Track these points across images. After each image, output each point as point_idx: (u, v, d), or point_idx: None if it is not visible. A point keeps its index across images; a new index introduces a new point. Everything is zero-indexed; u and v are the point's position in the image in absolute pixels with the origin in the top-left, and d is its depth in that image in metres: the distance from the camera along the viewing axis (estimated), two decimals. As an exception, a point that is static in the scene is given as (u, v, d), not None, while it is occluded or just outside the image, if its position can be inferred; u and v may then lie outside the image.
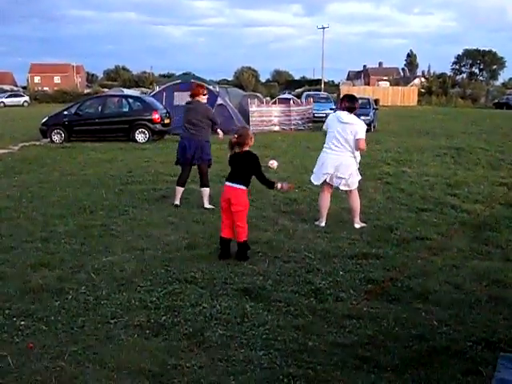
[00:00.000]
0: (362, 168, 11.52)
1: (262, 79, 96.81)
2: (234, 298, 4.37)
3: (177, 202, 7.75)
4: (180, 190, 7.80)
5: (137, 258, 5.33)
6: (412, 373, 3.25)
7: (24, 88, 76.86)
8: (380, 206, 7.76)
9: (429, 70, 66.51)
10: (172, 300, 4.29)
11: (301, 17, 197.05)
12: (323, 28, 64.60)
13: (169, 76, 70.28)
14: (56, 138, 16.95)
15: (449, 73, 74.88)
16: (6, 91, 59.36)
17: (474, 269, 5.06)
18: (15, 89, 69.07)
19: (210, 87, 20.55)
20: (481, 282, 4.74)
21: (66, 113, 17.58)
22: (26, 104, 52.90)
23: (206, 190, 7.65)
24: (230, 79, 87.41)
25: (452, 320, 3.97)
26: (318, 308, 4.18)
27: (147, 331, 3.77)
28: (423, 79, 64.20)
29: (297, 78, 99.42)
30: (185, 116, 7.70)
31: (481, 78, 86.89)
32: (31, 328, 3.80)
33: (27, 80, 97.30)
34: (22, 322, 3.88)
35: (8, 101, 52.12)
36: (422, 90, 57.61)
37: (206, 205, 7.58)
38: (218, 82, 33.78)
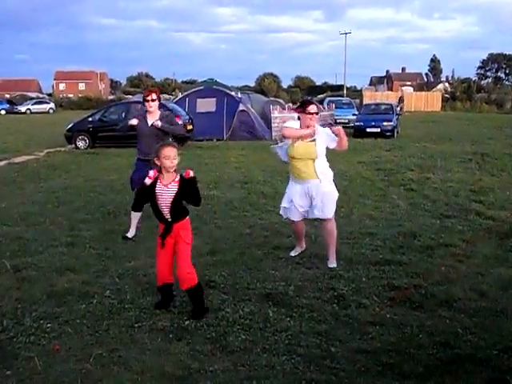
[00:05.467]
0: (386, 174, 11.55)
1: (284, 85, 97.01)
2: (256, 303, 4.38)
3: (130, 233, 6.31)
4: (136, 215, 6.31)
5: (160, 262, 5.37)
6: (436, 380, 3.22)
7: (49, 95, 78.39)
8: (403, 212, 7.70)
9: (453, 75, 65.51)
10: (195, 305, 4.32)
11: (321, 23, 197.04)
12: (346, 33, 64.47)
13: (191, 82, 70.98)
14: (81, 144, 17.24)
15: (474, 78, 73.91)
16: (32, 98, 60.62)
17: (500, 276, 4.98)
18: (41, 96, 70.51)
19: (233, 93, 20.71)
20: (507, 289, 4.66)
21: (90, 119, 17.89)
22: (51, 111, 53.91)
23: (133, 216, 6.38)
24: (251, 85, 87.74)
25: (477, 328, 3.91)
26: (341, 314, 4.17)
27: (171, 335, 3.81)
28: (447, 84, 63.41)
29: (319, 83, 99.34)
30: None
31: (507, 82, 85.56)
32: (57, 330, 3.87)
33: (52, 87, 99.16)
34: (49, 325, 3.95)
35: (34, 108, 53.21)
36: (446, 96, 56.92)
37: (130, 233, 6.36)
38: (240, 88, 33.91)
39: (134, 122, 6.29)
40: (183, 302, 4.36)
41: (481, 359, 3.44)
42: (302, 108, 5.42)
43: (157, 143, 5.86)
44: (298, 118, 5.45)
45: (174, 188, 4.09)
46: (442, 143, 18.03)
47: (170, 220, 4.13)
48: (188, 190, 4.13)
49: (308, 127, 5.32)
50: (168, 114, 6.62)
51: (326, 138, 5.33)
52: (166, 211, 4.11)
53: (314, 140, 5.32)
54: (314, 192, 5.33)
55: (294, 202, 5.45)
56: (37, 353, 3.52)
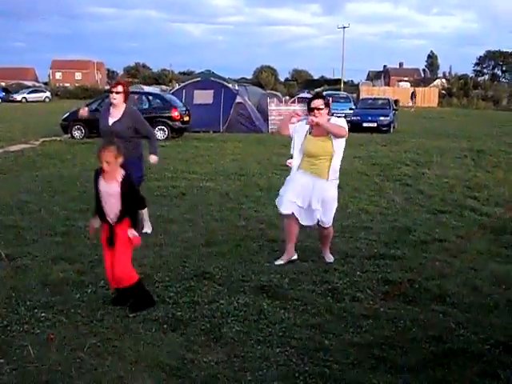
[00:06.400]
0: (382, 168, 11.56)
1: (281, 78, 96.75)
2: (250, 295, 4.39)
3: None
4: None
5: (155, 253, 5.38)
6: (428, 374, 3.24)
7: (45, 84, 77.90)
8: (398, 207, 7.72)
9: (450, 72, 65.71)
10: (190, 296, 4.34)
11: (319, 16, 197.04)
12: (344, 27, 64.28)
13: (188, 74, 70.69)
14: (77, 133, 17.16)
15: (470, 74, 73.96)
16: (29, 87, 60.25)
17: (493, 272, 5.01)
18: (37, 84, 70.04)
19: (230, 85, 20.65)
20: (500, 285, 4.69)
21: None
22: (47, 100, 53.62)
23: (144, 211, 6.01)
24: (249, 78, 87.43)
25: (470, 323, 3.94)
26: (335, 307, 4.18)
27: (165, 326, 3.81)
28: (444, 80, 63.47)
29: (316, 77, 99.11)
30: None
31: (503, 79, 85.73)
32: (51, 320, 3.87)
33: (49, 76, 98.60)
34: (43, 314, 3.95)
35: (30, 96, 52.87)
36: (443, 92, 56.98)
37: (147, 227, 6.17)
38: (238, 81, 33.79)
39: (82, 113, 6.25)
40: (178, 293, 4.37)
41: (473, 353, 3.47)
42: (308, 107, 5.00)
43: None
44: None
45: (115, 185, 3.95)
46: (438, 139, 18.07)
47: (113, 221, 3.98)
48: (129, 191, 3.96)
49: (317, 125, 4.89)
50: (133, 112, 6.15)
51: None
52: (110, 210, 3.97)
53: (328, 135, 4.93)
54: (318, 193, 5.00)
55: (296, 194, 5.05)
56: (31, 341, 3.52)
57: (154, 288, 4.47)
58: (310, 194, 5.04)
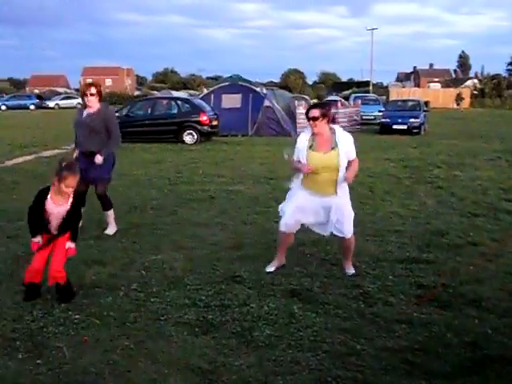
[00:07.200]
0: (413, 171, 11.40)
1: (309, 81, 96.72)
2: (281, 299, 4.37)
3: None
4: None
5: (185, 256, 5.42)
6: (464, 381, 3.17)
7: (77, 90, 79.38)
8: (430, 210, 7.60)
9: (482, 72, 64.40)
10: (220, 299, 4.35)
11: (345, 18, 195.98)
12: (372, 29, 63.77)
13: (216, 78, 71.22)
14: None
15: (504, 74, 72.35)
16: (60, 93, 61.56)
17: (530, 276, 4.88)
18: (68, 91, 71.54)
19: (258, 89, 20.69)
20: (537, 290, 4.57)
21: (117, 115, 17.99)
22: (78, 106, 54.58)
23: (110, 213, 6.36)
24: (276, 81, 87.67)
25: (507, 328, 3.84)
26: (367, 312, 4.13)
27: (196, 329, 3.83)
28: (476, 81, 62.28)
29: (344, 79, 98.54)
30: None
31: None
32: (85, 321, 3.93)
33: (80, 82, 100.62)
34: (77, 316, 4.01)
35: (62, 103, 54.03)
36: (475, 92, 55.93)
37: (110, 229, 6.30)
38: (265, 84, 33.86)
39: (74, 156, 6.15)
40: (208, 296, 4.39)
41: (510, 360, 3.38)
42: (306, 116, 4.85)
43: (90, 135, 5.95)
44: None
45: (65, 207, 4.24)
46: (471, 140, 17.73)
47: (55, 233, 4.29)
48: (75, 211, 4.32)
49: (314, 134, 4.78)
50: (107, 109, 6.30)
51: (347, 149, 4.75)
52: (54, 226, 4.26)
53: (333, 148, 4.72)
54: (333, 207, 4.79)
55: (302, 216, 4.95)
56: (65, 343, 3.58)
57: (184, 291, 4.50)
58: (325, 212, 4.86)
